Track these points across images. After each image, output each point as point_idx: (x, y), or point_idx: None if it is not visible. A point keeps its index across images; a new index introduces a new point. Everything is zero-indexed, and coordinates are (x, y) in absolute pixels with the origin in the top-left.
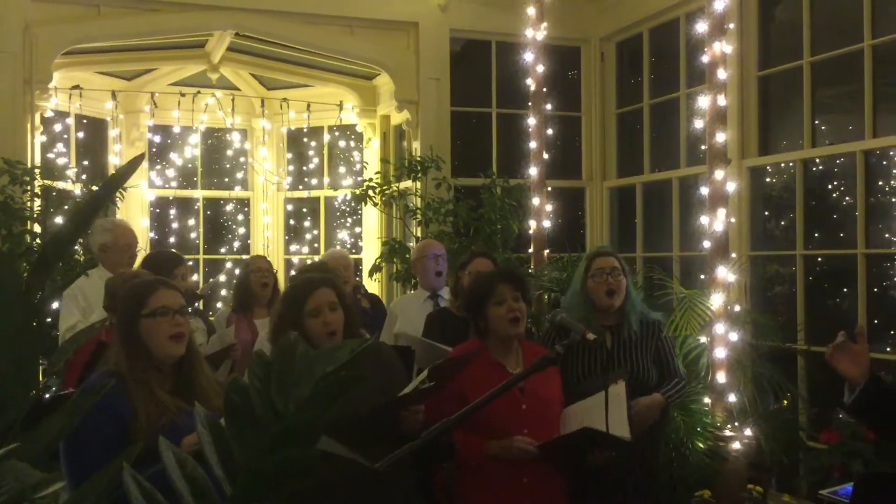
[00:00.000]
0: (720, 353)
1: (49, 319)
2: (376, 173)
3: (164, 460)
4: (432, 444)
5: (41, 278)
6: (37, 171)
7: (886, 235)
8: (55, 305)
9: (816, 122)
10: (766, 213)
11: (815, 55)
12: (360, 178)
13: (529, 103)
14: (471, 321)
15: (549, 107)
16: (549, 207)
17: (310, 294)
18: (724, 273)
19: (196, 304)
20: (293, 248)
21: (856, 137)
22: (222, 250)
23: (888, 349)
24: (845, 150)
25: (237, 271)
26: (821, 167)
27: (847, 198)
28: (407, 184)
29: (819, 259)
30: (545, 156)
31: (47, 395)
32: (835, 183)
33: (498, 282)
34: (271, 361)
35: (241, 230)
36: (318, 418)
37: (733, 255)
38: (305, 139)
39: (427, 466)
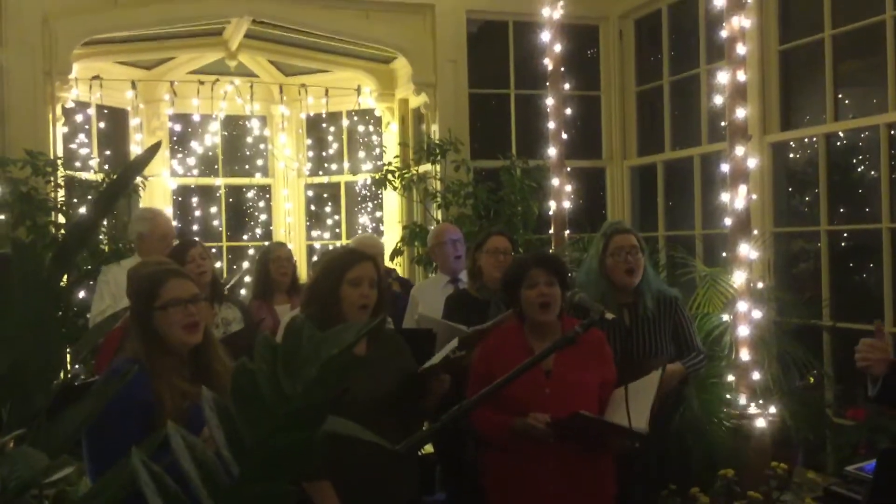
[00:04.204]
0: (743, 330)
1: (75, 308)
2: (395, 157)
3: (171, 444)
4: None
5: (63, 266)
6: (59, 161)
7: None
8: (81, 294)
9: (839, 95)
10: (790, 188)
11: (836, 27)
12: (379, 163)
13: (548, 83)
14: (507, 304)
15: (567, 86)
16: (569, 188)
17: (354, 264)
18: (747, 250)
19: (228, 292)
20: (315, 233)
21: (879, 111)
22: (245, 237)
23: None
24: (869, 124)
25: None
26: (844, 141)
27: (871, 172)
28: (426, 167)
29: (843, 234)
30: (564, 136)
31: (76, 382)
32: (858, 157)
33: (532, 266)
34: (278, 344)
35: (263, 217)
36: (325, 399)
37: (756, 231)
38: (324, 124)
39: (459, 450)
